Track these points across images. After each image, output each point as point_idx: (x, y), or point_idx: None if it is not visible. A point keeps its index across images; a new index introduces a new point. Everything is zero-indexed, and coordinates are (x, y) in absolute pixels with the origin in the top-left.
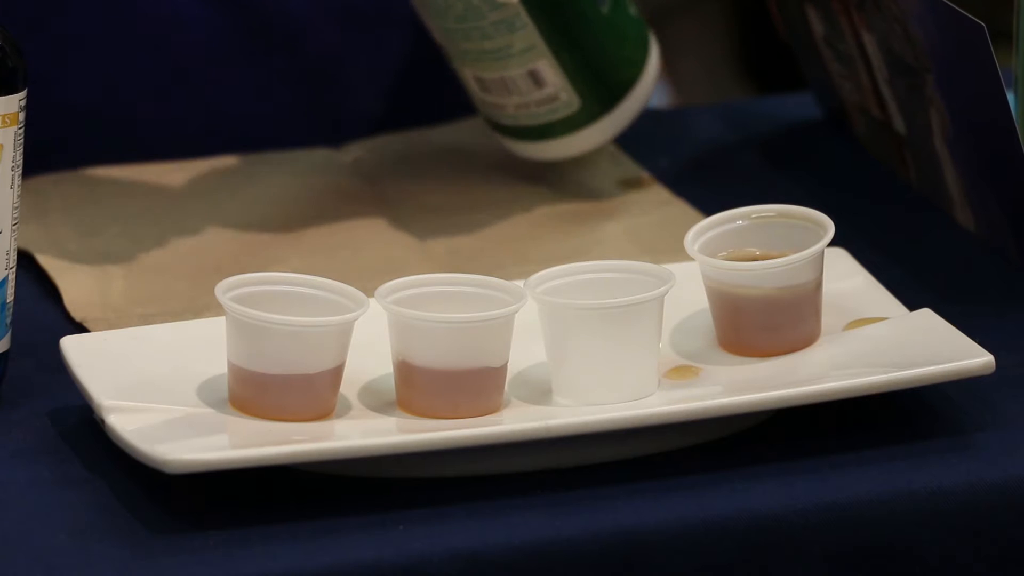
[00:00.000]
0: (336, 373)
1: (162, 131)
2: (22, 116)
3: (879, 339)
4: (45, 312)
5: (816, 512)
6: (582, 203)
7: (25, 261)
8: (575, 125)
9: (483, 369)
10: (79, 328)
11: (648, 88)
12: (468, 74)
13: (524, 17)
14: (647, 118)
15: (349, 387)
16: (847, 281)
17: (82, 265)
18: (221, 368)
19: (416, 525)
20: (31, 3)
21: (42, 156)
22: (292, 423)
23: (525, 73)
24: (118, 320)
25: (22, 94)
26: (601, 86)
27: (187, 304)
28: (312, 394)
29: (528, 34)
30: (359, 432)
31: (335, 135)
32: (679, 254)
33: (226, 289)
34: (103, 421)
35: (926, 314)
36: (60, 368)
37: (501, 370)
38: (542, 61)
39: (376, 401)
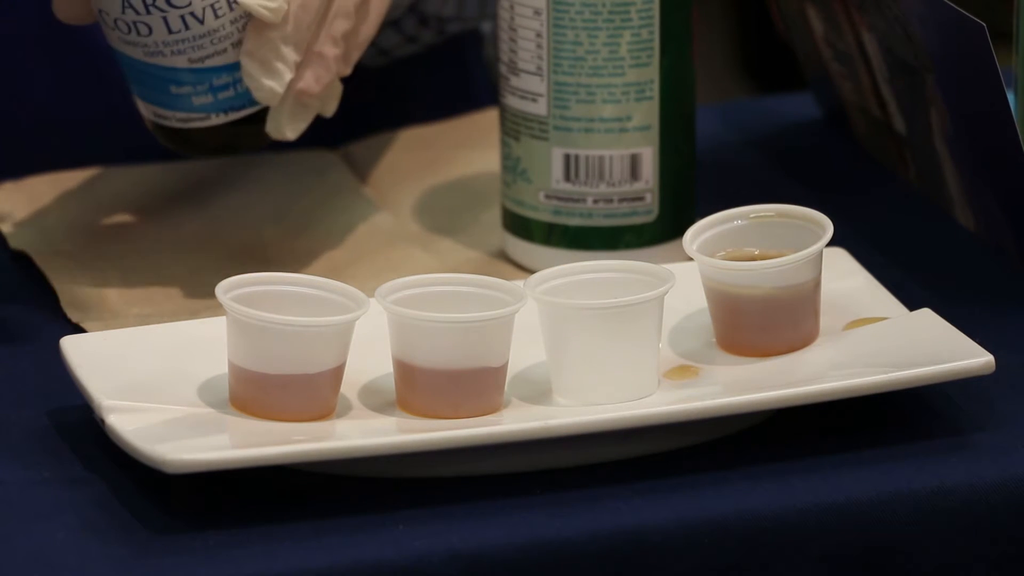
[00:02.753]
0: (336, 373)
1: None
2: None
3: (879, 339)
4: (44, 313)
5: (816, 512)
6: None
7: (22, 262)
8: (647, 238)
9: (483, 369)
10: (77, 329)
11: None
12: (556, 152)
13: (656, 86)
14: None
15: (349, 387)
16: (847, 281)
17: (78, 266)
18: (221, 368)
19: (416, 525)
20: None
21: (34, 158)
22: (292, 423)
23: (628, 156)
24: (115, 321)
25: None
26: (680, 202)
27: (184, 305)
28: (312, 394)
29: (650, 109)
30: (359, 432)
31: (332, 136)
32: None
33: (227, 289)
34: (103, 421)
35: (926, 314)
36: (60, 368)
37: (501, 370)
38: (648, 148)
39: (376, 401)
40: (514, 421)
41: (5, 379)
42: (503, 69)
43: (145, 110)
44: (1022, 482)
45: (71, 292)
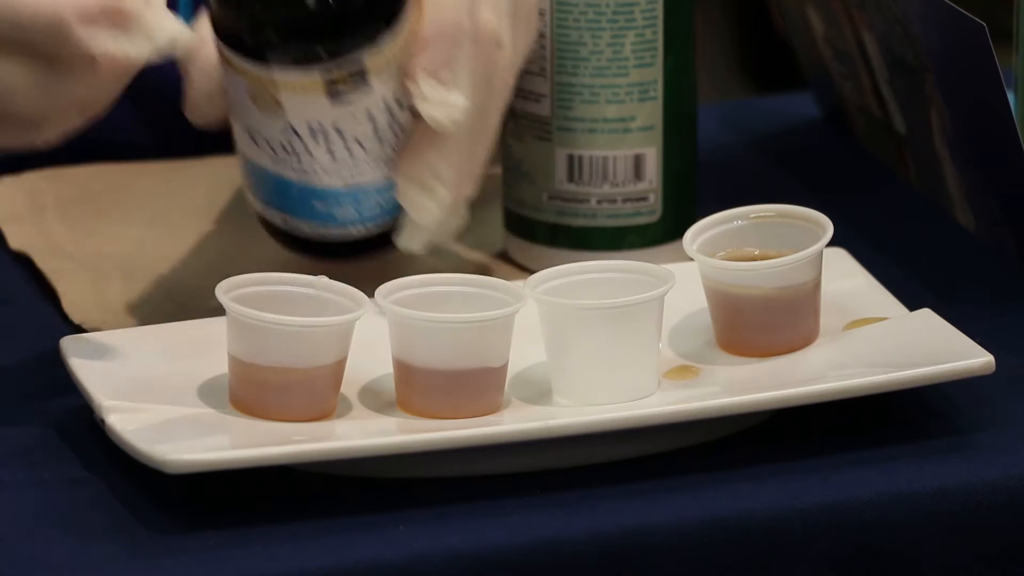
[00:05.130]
0: (336, 373)
1: (157, 132)
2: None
3: (879, 339)
4: (44, 312)
5: (816, 512)
6: None
7: (22, 262)
8: (650, 238)
9: (483, 369)
10: (78, 329)
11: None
12: (560, 153)
13: (659, 86)
14: None
15: (349, 387)
16: (847, 281)
17: (79, 267)
18: (221, 368)
19: (416, 525)
20: None
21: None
22: (292, 423)
23: (632, 157)
24: (116, 322)
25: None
26: (683, 202)
27: (184, 305)
28: (312, 394)
29: (653, 109)
30: (359, 432)
31: None
32: None
33: (226, 289)
34: (103, 421)
35: (926, 314)
36: (60, 368)
37: (501, 370)
38: (652, 148)
39: (376, 401)
40: (514, 421)
41: (5, 379)
42: None
43: (270, 214)
44: (1022, 482)
45: (71, 292)
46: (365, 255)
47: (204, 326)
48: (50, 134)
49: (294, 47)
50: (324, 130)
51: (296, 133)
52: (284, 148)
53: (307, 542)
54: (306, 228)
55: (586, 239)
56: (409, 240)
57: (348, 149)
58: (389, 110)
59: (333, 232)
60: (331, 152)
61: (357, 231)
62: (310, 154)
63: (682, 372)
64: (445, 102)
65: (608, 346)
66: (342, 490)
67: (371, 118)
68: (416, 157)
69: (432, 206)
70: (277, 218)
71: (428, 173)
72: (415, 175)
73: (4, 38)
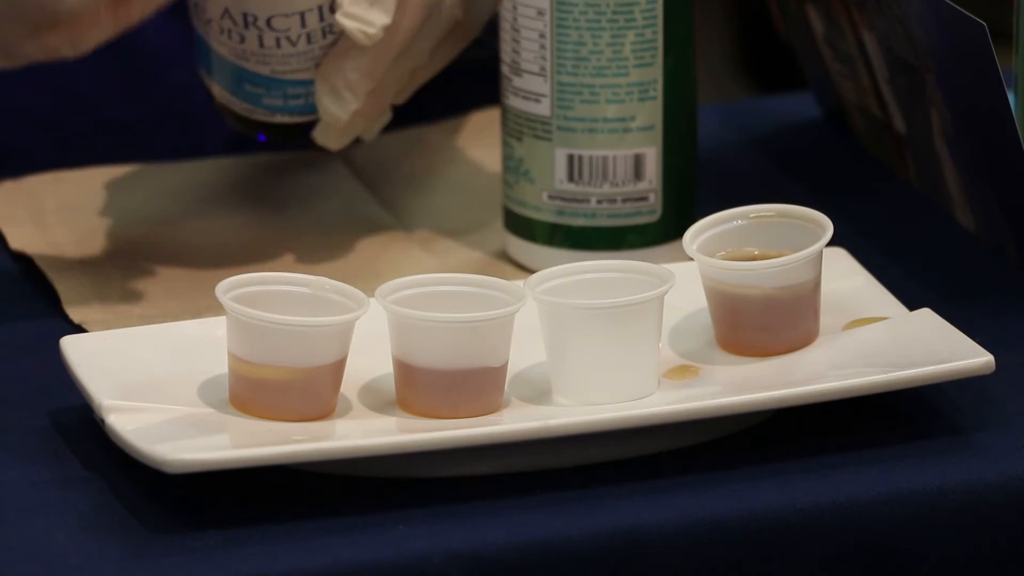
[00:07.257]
0: (336, 373)
1: (161, 132)
2: None
3: (879, 339)
4: (44, 312)
5: (816, 512)
6: None
7: (22, 262)
8: (650, 238)
9: (483, 369)
10: (78, 330)
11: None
12: (560, 153)
13: (659, 86)
14: None
15: (349, 387)
16: (847, 281)
17: (80, 267)
18: (221, 368)
19: (416, 525)
20: None
21: (34, 156)
22: (292, 423)
23: (631, 156)
24: (117, 322)
25: None
26: (683, 202)
27: (186, 305)
28: (312, 394)
29: (653, 109)
30: (359, 432)
31: None
32: None
33: (226, 289)
34: (103, 421)
35: (926, 314)
36: (60, 368)
37: (501, 370)
38: (652, 148)
39: (376, 401)
40: (514, 421)
41: (5, 379)
42: (505, 70)
43: (213, 86)
44: (1022, 482)
45: (71, 292)
46: (288, 140)
47: (204, 326)
48: (92, 38)
49: None
50: (256, 20)
51: (232, 18)
52: (220, 28)
53: (307, 542)
54: (237, 106)
55: (586, 239)
56: (322, 136)
57: (277, 41)
58: (322, 14)
59: (259, 115)
60: (260, 40)
61: (281, 119)
62: (242, 39)
63: (682, 372)
64: (362, 17)
65: (608, 346)
66: (342, 490)
67: (302, 17)
68: (334, 63)
69: (337, 111)
70: (216, 90)
71: (341, 81)
72: (329, 79)
73: None
